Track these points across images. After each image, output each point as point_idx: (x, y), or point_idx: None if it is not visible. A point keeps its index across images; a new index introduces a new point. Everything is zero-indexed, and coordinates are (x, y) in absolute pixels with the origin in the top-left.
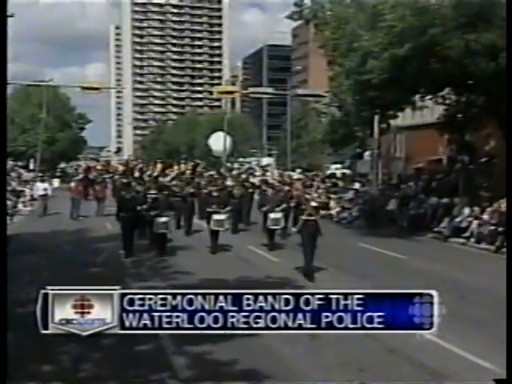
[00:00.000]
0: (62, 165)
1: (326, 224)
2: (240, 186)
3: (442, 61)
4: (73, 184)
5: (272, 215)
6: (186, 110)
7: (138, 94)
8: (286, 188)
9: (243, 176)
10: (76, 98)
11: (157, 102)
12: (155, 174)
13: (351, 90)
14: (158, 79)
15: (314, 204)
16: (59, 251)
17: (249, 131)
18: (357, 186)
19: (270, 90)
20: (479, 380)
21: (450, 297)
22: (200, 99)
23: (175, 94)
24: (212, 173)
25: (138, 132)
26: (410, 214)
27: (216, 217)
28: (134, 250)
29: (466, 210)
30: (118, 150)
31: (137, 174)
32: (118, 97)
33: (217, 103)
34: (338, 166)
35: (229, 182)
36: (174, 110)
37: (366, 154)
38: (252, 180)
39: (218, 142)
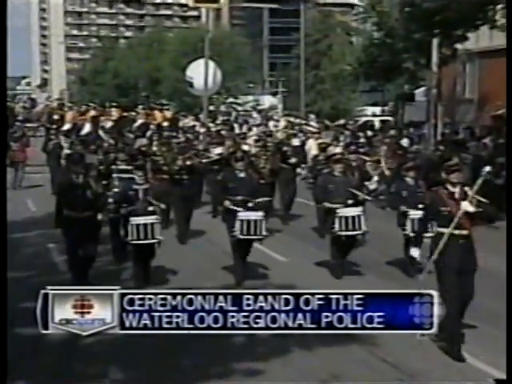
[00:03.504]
0: None
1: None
2: (272, 154)
3: None
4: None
5: (344, 212)
6: (146, 24)
7: None
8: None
9: (279, 136)
10: None
11: (101, 9)
12: (108, 126)
13: None
14: None
15: (468, 208)
16: None
17: (242, 57)
18: (404, 141)
19: None
20: None
21: None
22: (168, 6)
23: None
24: (219, 128)
25: (74, 56)
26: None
27: (244, 215)
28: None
29: None
30: (44, 84)
31: (87, 130)
32: (42, 1)
33: (194, 12)
34: (377, 110)
35: (246, 147)
36: (128, 22)
37: (419, 93)
38: (295, 142)
39: (199, 74)
